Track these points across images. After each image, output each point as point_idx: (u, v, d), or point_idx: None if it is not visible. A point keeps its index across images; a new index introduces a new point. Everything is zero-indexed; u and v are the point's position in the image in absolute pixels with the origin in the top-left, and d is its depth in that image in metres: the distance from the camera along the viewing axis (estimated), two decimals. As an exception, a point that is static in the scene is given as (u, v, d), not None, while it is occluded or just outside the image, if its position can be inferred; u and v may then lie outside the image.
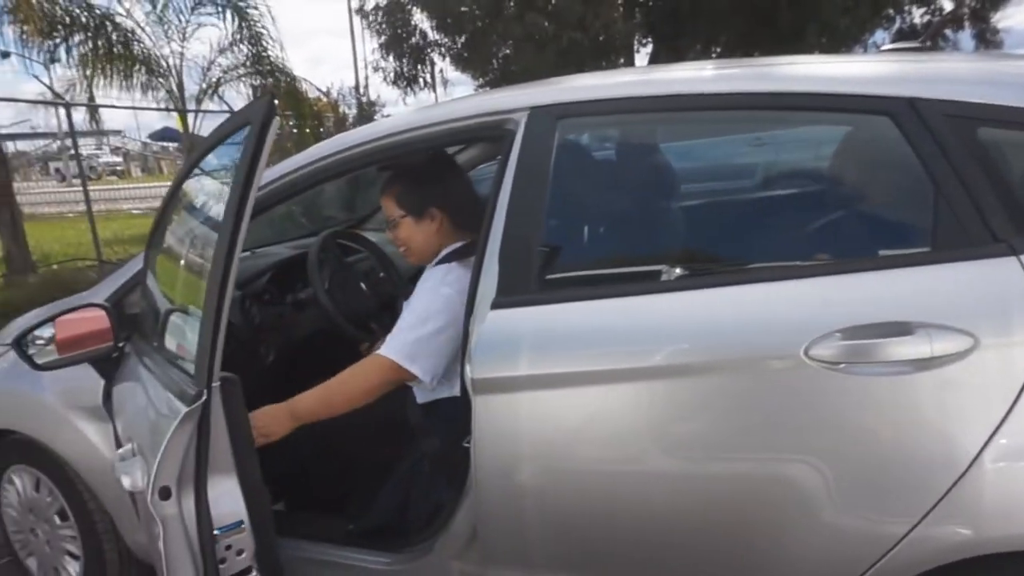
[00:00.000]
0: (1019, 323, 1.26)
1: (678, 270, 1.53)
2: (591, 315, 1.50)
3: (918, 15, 14.15)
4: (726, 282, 1.47)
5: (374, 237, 2.74)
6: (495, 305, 1.52)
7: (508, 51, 12.54)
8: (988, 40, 14.15)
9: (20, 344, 2.03)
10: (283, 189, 1.87)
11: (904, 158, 1.40)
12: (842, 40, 11.15)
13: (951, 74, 1.57)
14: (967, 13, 13.73)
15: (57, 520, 2.28)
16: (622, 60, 13.07)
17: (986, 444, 1.26)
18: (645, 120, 1.78)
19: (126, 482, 1.56)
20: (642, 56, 13.62)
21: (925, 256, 1.38)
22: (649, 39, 13.27)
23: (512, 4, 12.00)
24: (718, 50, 13.10)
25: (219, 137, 1.76)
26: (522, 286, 1.54)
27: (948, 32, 14.13)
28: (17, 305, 4.16)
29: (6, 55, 10.09)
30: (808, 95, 1.51)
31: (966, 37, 14.30)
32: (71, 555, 2.29)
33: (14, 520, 2.40)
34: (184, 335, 1.65)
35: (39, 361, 2.00)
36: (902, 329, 1.31)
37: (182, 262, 1.86)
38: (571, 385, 1.48)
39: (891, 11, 13.55)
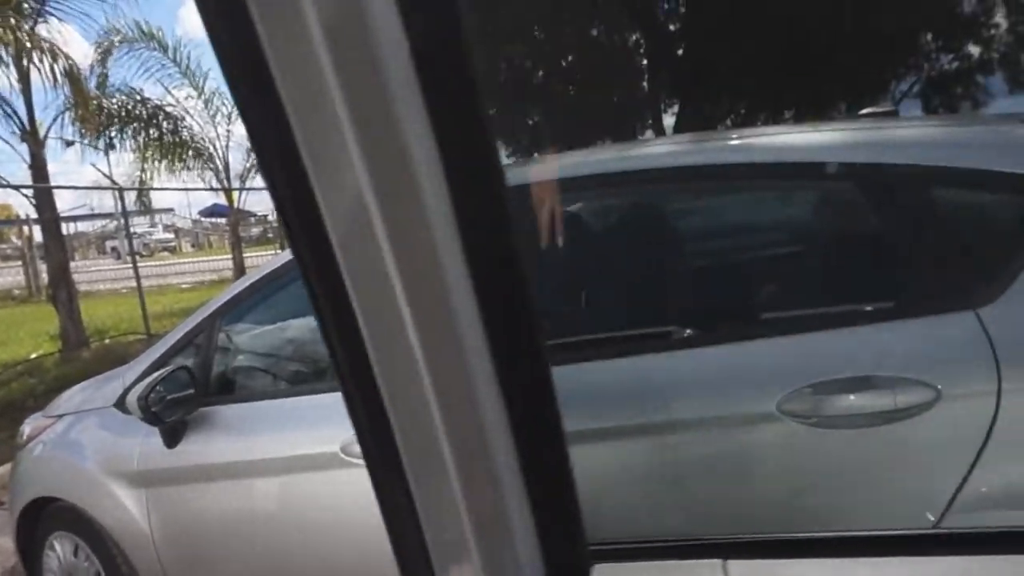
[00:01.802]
0: (978, 375, 1.31)
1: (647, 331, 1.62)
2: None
3: (946, 61, 14.16)
4: (701, 342, 1.56)
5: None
6: None
7: (537, 119, 12.95)
8: (1022, 83, 14.05)
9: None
10: None
11: (868, 219, 1.49)
12: (867, 93, 11.24)
13: (910, 139, 1.67)
14: (996, 59, 13.69)
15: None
16: (650, 122, 13.36)
17: (957, 492, 1.31)
18: (630, 192, 1.92)
19: None
20: (668, 117, 13.90)
21: (889, 312, 1.45)
22: (675, 101, 13.55)
23: (538, 74, 12.46)
24: (744, 108, 13.30)
25: None
26: None
27: (978, 78, 14.07)
28: (72, 379, 4.41)
29: (70, 144, 10.86)
30: (780, 165, 1.62)
31: (998, 82, 14.23)
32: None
33: (56, 585, 2.53)
34: None
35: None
36: (867, 383, 1.37)
37: None
38: None
39: (915, 60, 13.60)
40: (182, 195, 13.12)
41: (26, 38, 8.36)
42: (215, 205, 14.62)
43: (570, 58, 12.75)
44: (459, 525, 0.43)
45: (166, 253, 19.44)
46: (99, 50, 10.07)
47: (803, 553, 0.93)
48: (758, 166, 1.62)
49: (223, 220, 14.61)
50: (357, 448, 1.65)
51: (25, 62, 8.46)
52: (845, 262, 1.62)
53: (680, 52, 12.96)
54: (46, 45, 8.59)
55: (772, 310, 1.63)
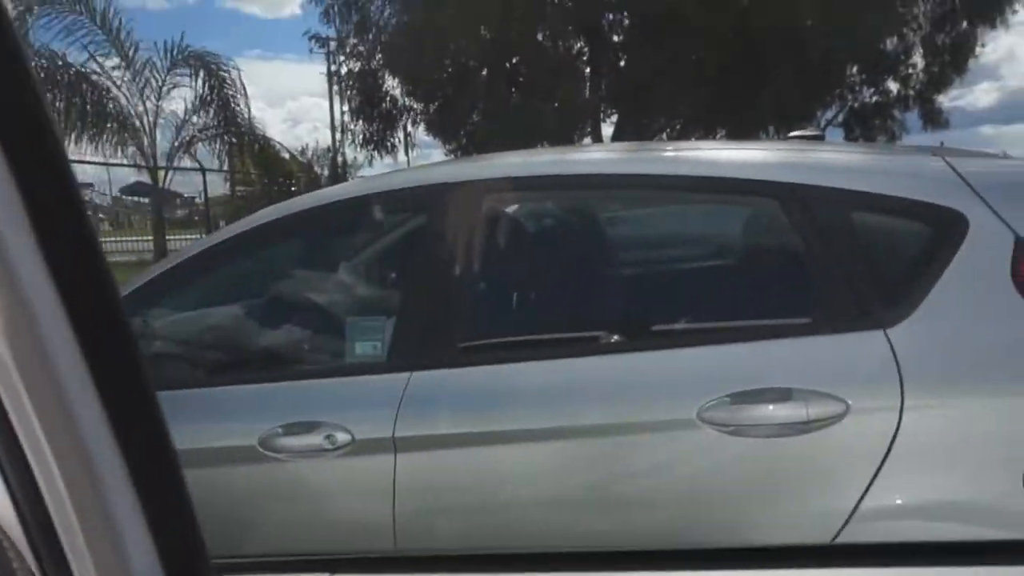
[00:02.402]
0: (884, 390, 1.39)
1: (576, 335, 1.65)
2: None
3: (867, 95, 14.94)
4: (627, 348, 1.59)
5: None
6: None
7: (478, 117, 12.96)
8: (934, 120, 14.97)
9: None
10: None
11: (788, 238, 1.55)
12: (796, 118, 11.74)
13: (833, 164, 1.75)
14: (912, 96, 14.54)
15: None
16: (589, 130, 13.56)
17: (859, 503, 1.38)
18: (550, 196, 1.96)
19: None
20: (608, 126, 14.16)
21: (807, 327, 1.52)
22: (614, 111, 13.81)
23: (482, 73, 12.48)
24: (680, 122, 13.68)
25: None
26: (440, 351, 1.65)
27: (896, 112, 14.92)
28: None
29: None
30: (705, 179, 1.67)
31: (914, 117, 15.12)
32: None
33: None
34: None
35: None
36: (783, 395, 1.43)
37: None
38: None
39: (841, 91, 14.30)
40: (102, 170, 12.48)
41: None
42: (137, 183, 13.99)
43: (515, 60, 12.82)
44: (77, 542, 0.44)
45: (82, 230, 18.44)
46: (18, 7, 9.50)
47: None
48: (688, 178, 1.67)
49: (145, 200, 14.00)
50: (277, 442, 1.62)
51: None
52: (770, 277, 1.69)
53: (621, 64, 13.22)
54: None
55: (700, 321, 1.68)
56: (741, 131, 12.51)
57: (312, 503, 1.72)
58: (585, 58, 13.38)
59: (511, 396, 1.59)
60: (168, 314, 2.16)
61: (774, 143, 2.40)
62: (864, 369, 1.43)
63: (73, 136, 10.50)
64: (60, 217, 0.41)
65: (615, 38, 13.36)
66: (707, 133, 13.56)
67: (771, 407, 1.43)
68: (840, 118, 15.21)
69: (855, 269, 1.49)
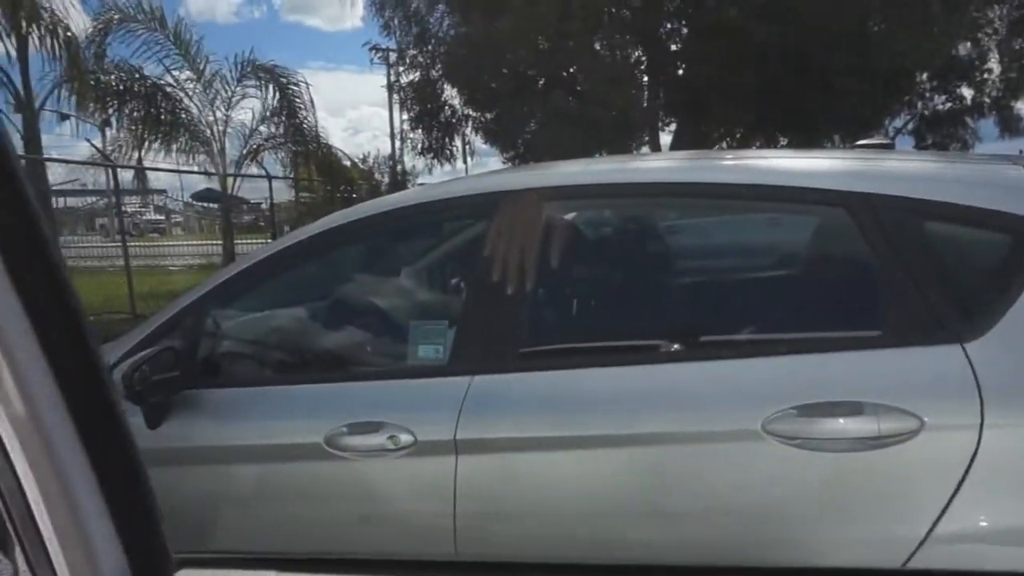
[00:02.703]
0: (962, 407, 1.34)
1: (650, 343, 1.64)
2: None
3: (939, 102, 14.40)
4: (691, 357, 1.58)
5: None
6: None
7: (535, 126, 13.00)
8: (1012, 127, 14.31)
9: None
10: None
11: (859, 248, 1.51)
12: (862, 127, 11.38)
13: (906, 172, 1.70)
14: (988, 102, 13.94)
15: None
16: (646, 139, 13.44)
17: (933, 526, 1.32)
18: (613, 204, 1.95)
19: None
20: (667, 135, 14.02)
21: (878, 340, 1.47)
22: (673, 119, 13.66)
23: (540, 82, 12.52)
24: (740, 131, 13.43)
25: None
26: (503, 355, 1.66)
27: (969, 119, 14.32)
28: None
29: (65, 117, 10.77)
30: (775, 188, 1.65)
31: (989, 124, 14.49)
32: None
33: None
34: None
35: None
36: (853, 408, 1.39)
37: None
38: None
39: (911, 98, 13.81)
40: (174, 177, 13.12)
41: (26, 5, 8.30)
42: (207, 190, 14.52)
43: (572, 69, 12.82)
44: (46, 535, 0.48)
45: (155, 235, 19.28)
46: (97, 25, 10.00)
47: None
48: (753, 187, 1.65)
49: (215, 205, 14.53)
50: (342, 441, 1.66)
51: (24, 28, 8.39)
52: (839, 288, 1.65)
53: (680, 72, 13.07)
54: (46, 14, 8.53)
55: (765, 331, 1.65)
56: (804, 140, 12.20)
57: (374, 503, 1.75)
58: (643, 67, 13.28)
59: (572, 402, 1.59)
60: (240, 315, 2.24)
61: (842, 152, 2.33)
62: (940, 384, 1.37)
63: (149, 145, 11.02)
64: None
65: (673, 47, 13.23)
66: (768, 142, 13.27)
67: (840, 421, 1.39)
68: (910, 126, 14.71)
69: (929, 282, 1.44)
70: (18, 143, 8.82)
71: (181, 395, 2.05)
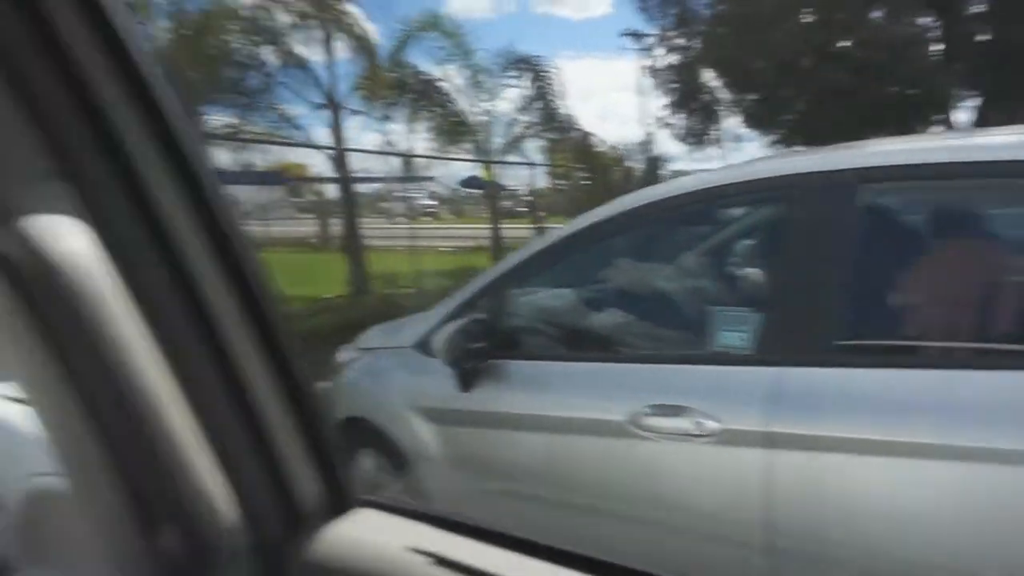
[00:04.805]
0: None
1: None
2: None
3: None
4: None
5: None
6: None
7: (802, 107, 12.09)
8: None
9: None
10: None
11: None
12: None
13: None
14: None
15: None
16: (941, 117, 11.82)
17: None
18: (942, 187, 1.75)
19: None
20: (959, 113, 12.20)
21: None
22: (975, 93, 11.84)
23: (806, 59, 11.58)
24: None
25: None
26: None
27: None
28: (361, 319, 4.99)
29: (357, 114, 12.34)
30: None
31: None
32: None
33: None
34: None
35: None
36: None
37: None
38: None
39: None
40: (443, 165, 14.41)
41: (338, 16, 9.65)
42: (472, 177, 15.71)
43: (847, 41, 11.67)
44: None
45: (427, 218, 21.34)
46: (401, 36, 11.29)
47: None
48: None
49: (479, 191, 15.71)
50: (645, 421, 1.73)
51: (332, 34, 9.79)
52: None
53: (985, 38, 11.26)
54: (352, 23, 9.86)
55: None
56: None
57: (674, 486, 1.79)
58: (935, 33, 11.66)
59: (897, 404, 1.49)
60: (538, 293, 2.42)
61: None
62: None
63: (429, 137, 12.24)
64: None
65: (975, 8, 11.42)
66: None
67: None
68: None
69: None
70: (326, 137, 10.38)
71: (488, 363, 2.28)
